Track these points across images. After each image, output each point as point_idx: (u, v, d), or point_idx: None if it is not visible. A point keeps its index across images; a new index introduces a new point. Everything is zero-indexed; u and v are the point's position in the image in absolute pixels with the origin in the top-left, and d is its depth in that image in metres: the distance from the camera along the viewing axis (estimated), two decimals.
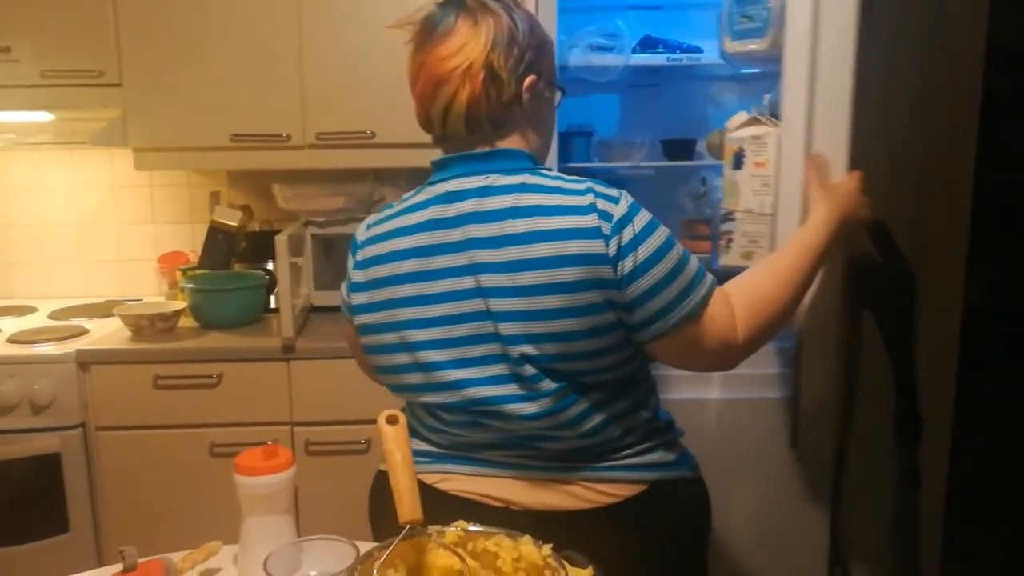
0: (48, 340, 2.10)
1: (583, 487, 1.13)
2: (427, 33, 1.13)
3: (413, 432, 1.20)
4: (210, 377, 2.03)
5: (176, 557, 1.07)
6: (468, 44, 1.10)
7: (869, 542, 2.17)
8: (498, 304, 1.06)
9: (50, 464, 2.00)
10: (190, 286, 2.23)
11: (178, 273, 2.43)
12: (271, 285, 2.32)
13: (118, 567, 0.88)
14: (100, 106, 2.20)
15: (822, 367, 1.98)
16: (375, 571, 0.84)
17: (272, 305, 2.33)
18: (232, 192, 2.60)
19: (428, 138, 2.39)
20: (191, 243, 2.61)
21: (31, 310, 2.47)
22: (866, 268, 1.78)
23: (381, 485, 1.20)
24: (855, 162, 1.69)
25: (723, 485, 1.50)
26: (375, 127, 2.19)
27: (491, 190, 1.09)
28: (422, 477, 1.14)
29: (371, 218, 1.22)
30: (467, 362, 1.10)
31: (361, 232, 1.21)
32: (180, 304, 2.26)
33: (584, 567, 0.87)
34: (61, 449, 2.01)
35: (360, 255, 1.19)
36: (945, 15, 1.75)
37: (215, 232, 2.39)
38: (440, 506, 1.06)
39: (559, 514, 1.13)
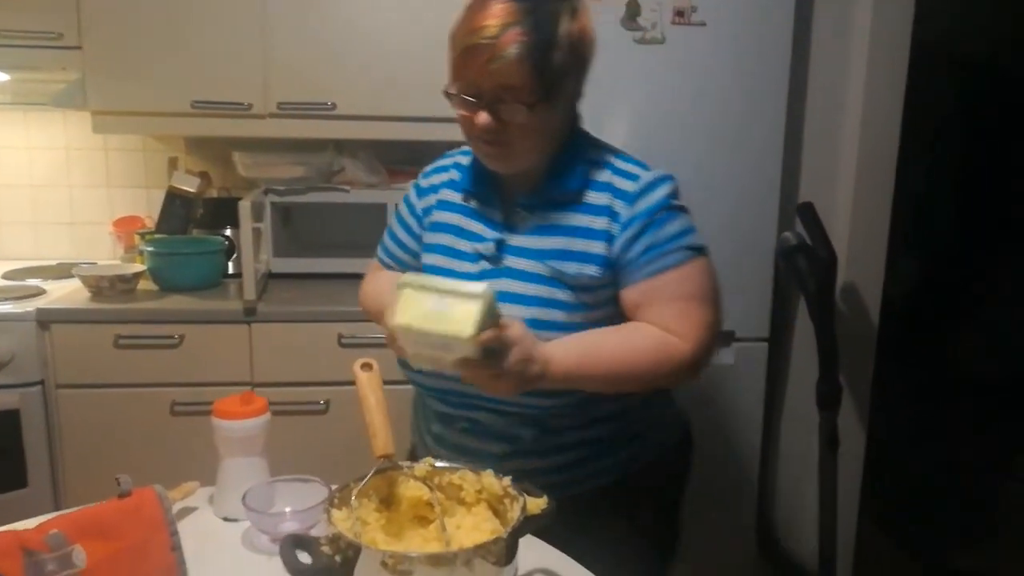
0: (6, 299, 2.11)
1: None
2: None
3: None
4: (171, 338, 2.07)
5: None
6: None
7: (795, 497, 2.34)
8: None
9: (9, 420, 2.02)
10: (150, 249, 2.26)
11: (136, 237, 2.46)
12: (230, 251, 2.37)
13: (114, 497, 0.95)
14: (58, 68, 2.20)
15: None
16: (353, 498, 0.93)
17: (231, 271, 2.38)
18: (190, 158, 2.62)
19: (388, 111, 2.44)
20: (146, 208, 2.62)
21: None
22: (796, 247, 1.93)
23: None
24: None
25: None
26: (336, 98, 2.24)
27: None
28: None
29: None
30: None
31: None
32: (140, 267, 2.29)
33: (540, 496, 0.97)
34: (20, 406, 2.03)
35: None
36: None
37: (173, 198, 2.41)
38: None
39: None
